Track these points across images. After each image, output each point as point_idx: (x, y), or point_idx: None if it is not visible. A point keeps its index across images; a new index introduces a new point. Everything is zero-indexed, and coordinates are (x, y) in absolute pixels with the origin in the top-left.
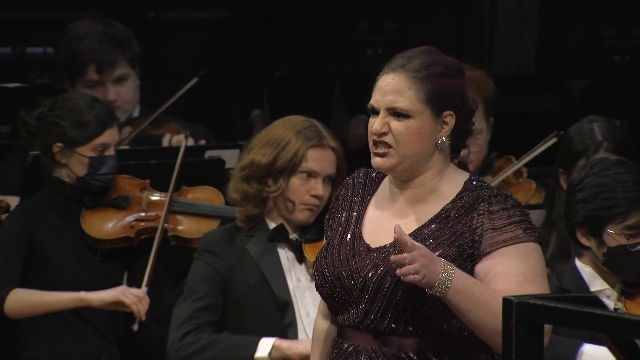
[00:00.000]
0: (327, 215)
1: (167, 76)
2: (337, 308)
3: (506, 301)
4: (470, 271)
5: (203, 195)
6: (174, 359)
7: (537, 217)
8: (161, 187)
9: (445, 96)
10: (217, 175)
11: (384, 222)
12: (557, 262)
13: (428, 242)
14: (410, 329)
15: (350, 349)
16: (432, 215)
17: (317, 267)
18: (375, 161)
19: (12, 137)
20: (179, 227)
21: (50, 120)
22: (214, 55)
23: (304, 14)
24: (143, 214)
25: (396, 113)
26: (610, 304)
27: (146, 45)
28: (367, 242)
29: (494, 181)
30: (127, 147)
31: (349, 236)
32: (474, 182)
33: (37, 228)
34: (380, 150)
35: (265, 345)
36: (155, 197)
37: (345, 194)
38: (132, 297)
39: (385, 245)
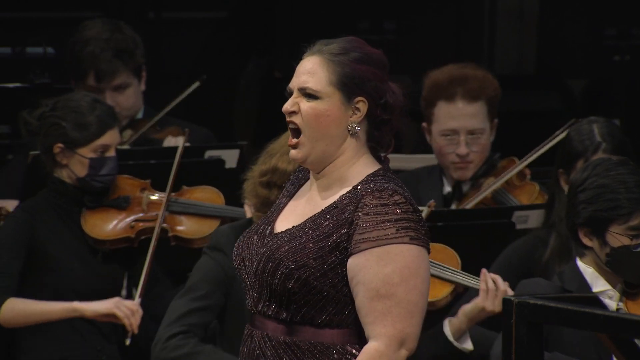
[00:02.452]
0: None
1: (167, 76)
2: (244, 290)
3: (506, 301)
4: (343, 263)
5: (203, 195)
6: (155, 357)
7: (537, 217)
8: (161, 187)
9: (357, 81)
10: (217, 175)
11: (295, 208)
12: (557, 263)
13: (310, 232)
14: (293, 316)
15: (248, 332)
16: (327, 205)
17: (234, 249)
18: (291, 153)
19: (12, 137)
20: (179, 228)
21: (51, 120)
22: (214, 55)
23: (304, 14)
24: (143, 214)
25: (306, 94)
26: (613, 304)
27: (146, 45)
28: (274, 228)
29: (497, 183)
30: (127, 147)
31: (264, 221)
32: (376, 177)
33: (38, 228)
34: (293, 141)
35: None
36: (155, 198)
37: (290, 185)
38: (125, 310)
39: (281, 231)
